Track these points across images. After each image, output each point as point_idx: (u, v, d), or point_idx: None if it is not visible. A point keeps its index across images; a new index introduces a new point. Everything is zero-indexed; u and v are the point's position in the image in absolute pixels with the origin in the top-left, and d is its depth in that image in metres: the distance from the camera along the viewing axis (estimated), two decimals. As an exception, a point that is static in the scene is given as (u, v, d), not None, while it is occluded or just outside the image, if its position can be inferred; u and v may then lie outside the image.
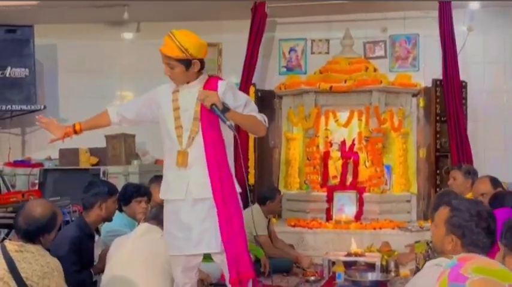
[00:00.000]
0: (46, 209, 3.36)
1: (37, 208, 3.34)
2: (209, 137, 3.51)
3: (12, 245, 3.17)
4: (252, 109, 3.59)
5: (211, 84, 3.59)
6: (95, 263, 4.28)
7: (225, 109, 3.43)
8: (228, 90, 3.56)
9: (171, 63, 3.54)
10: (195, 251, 3.53)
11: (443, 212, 2.71)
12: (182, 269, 3.59)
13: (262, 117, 3.60)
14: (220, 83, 3.59)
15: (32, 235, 3.26)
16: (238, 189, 3.62)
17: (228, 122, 3.42)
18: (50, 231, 3.33)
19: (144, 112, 3.81)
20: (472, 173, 5.48)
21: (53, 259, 3.24)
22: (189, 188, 3.50)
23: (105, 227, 4.72)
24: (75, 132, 3.97)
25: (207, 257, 3.71)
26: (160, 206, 4.47)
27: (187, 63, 3.53)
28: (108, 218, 4.46)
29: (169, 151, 3.62)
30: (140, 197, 4.90)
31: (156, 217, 4.05)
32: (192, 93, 3.54)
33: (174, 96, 3.63)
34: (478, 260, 1.86)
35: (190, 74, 3.57)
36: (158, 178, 5.83)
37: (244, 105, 3.56)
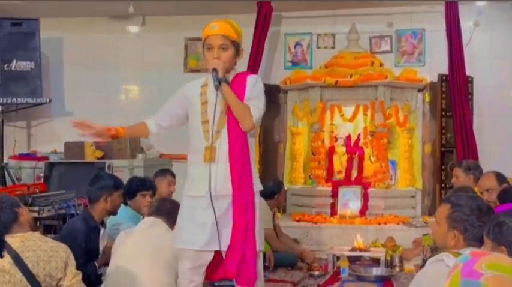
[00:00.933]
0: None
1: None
2: (234, 132, 3.49)
3: (14, 239, 3.16)
4: (253, 103, 3.52)
5: (240, 78, 3.58)
6: (99, 256, 4.29)
7: (224, 79, 3.44)
8: (254, 83, 3.57)
9: (226, 44, 3.52)
10: (207, 247, 3.48)
11: (444, 208, 2.76)
12: (191, 266, 3.52)
13: (255, 114, 3.49)
14: (250, 76, 3.61)
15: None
16: (260, 187, 3.61)
17: (215, 83, 3.43)
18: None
19: (178, 113, 3.75)
20: (472, 169, 5.45)
21: (56, 243, 3.24)
22: (212, 184, 3.45)
23: (110, 221, 4.74)
24: (117, 136, 3.83)
25: None
26: (162, 199, 4.49)
27: (238, 48, 3.57)
28: (113, 212, 4.47)
29: (195, 147, 3.58)
30: (145, 191, 4.91)
31: (158, 210, 4.06)
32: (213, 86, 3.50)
33: (203, 90, 3.62)
34: (491, 257, 1.86)
35: (233, 62, 3.59)
36: (163, 172, 5.88)
37: (249, 98, 3.53)
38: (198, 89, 3.65)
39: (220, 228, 3.45)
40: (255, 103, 3.53)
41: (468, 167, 5.47)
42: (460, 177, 5.46)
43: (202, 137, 3.52)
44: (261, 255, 3.62)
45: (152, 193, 4.99)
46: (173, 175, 5.96)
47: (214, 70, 3.46)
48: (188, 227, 3.53)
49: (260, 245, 3.56)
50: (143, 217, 4.82)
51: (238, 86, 3.52)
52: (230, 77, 3.57)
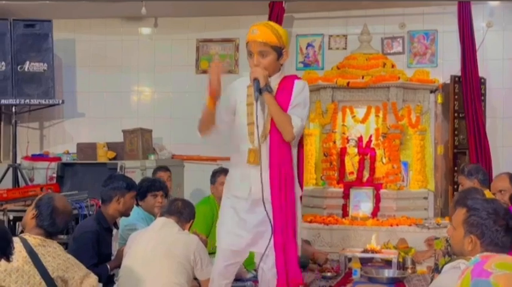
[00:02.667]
0: (70, 205, 3.42)
1: (66, 204, 3.38)
2: (276, 136, 3.46)
3: (34, 239, 3.19)
4: (296, 112, 3.46)
5: (287, 82, 3.55)
6: (112, 257, 4.31)
7: (265, 89, 3.40)
8: (302, 89, 3.52)
9: (265, 51, 3.47)
10: (246, 248, 3.53)
11: (460, 213, 2.71)
12: (227, 264, 3.55)
13: (296, 124, 3.44)
14: (297, 81, 3.56)
15: (60, 231, 3.30)
16: (299, 192, 3.59)
17: (256, 94, 3.38)
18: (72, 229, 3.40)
19: (230, 117, 3.65)
20: (474, 173, 5.40)
21: (72, 257, 3.29)
22: (253, 188, 3.45)
23: (122, 221, 4.76)
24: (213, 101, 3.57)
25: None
26: (174, 198, 4.50)
27: (280, 51, 3.51)
28: (126, 213, 4.47)
29: (237, 147, 3.56)
30: (156, 191, 4.93)
31: (170, 210, 4.07)
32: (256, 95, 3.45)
33: (249, 91, 3.56)
34: (500, 257, 1.87)
35: (277, 65, 3.54)
36: (156, 170, 6.03)
37: (295, 105, 3.47)
38: (244, 88, 3.60)
39: (262, 231, 3.47)
40: (298, 112, 3.48)
41: (469, 172, 5.42)
42: (465, 183, 5.43)
43: (247, 138, 3.50)
44: None
45: (163, 193, 5.01)
46: (166, 170, 6.07)
47: (255, 80, 3.42)
48: (230, 227, 3.54)
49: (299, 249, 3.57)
50: (155, 218, 4.84)
51: (284, 91, 3.49)
52: (277, 80, 3.53)
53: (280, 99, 3.49)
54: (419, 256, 5.90)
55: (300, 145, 3.62)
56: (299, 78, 3.66)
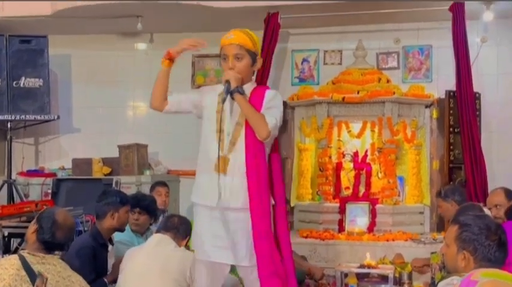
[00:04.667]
0: (72, 219, 3.40)
1: (67, 219, 3.36)
2: (251, 145, 3.43)
3: (33, 257, 3.16)
4: (269, 112, 3.46)
5: (259, 91, 3.55)
6: (108, 273, 4.28)
7: (236, 90, 3.40)
8: (273, 96, 3.54)
9: (241, 54, 3.50)
10: (222, 260, 3.46)
11: (453, 230, 2.74)
12: (206, 278, 3.49)
13: (270, 121, 3.42)
14: (269, 91, 3.58)
15: (60, 245, 3.27)
16: (272, 201, 3.55)
17: (225, 94, 3.38)
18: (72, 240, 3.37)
19: (186, 104, 3.70)
20: (450, 194, 5.43)
21: (73, 273, 3.25)
22: (223, 196, 3.42)
23: (115, 237, 4.73)
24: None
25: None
26: (170, 215, 4.48)
27: (254, 57, 3.55)
28: (121, 228, 4.45)
29: (206, 155, 3.52)
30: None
31: (166, 226, 4.05)
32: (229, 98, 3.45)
33: (220, 98, 3.55)
34: (486, 269, 1.89)
35: (250, 72, 3.57)
36: (153, 185, 5.98)
37: (267, 108, 3.48)
38: (215, 95, 3.60)
39: (235, 242, 3.42)
40: (271, 112, 3.47)
41: (445, 194, 5.46)
42: (443, 206, 5.46)
43: (215, 146, 3.46)
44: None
45: (140, 209, 4.91)
46: (164, 185, 6.04)
47: (227, 81, 3.42)
48: (203, 237, 3.50)
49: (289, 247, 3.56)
50: (141, 234, 4.83)
51: (256, 99, 3.48)
52: (250, 88, 3.54)
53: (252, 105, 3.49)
54: (419, 262, 5.89)
55: (273, 154, 3.60)
56: (269, 88, 3.68)
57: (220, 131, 3.47)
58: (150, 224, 5.09)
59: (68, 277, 3.17)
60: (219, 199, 3.43)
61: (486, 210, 4.94)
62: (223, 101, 3.43)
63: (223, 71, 3.56)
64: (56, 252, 3.94)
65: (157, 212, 5.27)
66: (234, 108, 3.48)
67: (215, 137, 3.47)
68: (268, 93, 3.55)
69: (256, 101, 3.48)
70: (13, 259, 3.18)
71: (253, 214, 3.38)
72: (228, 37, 3.56)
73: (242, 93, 3.43)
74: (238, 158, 3.43)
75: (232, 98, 3.42)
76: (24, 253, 3.20)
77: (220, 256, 3.45)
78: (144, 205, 4.96)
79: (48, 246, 3.26)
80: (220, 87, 3.58)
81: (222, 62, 3.57)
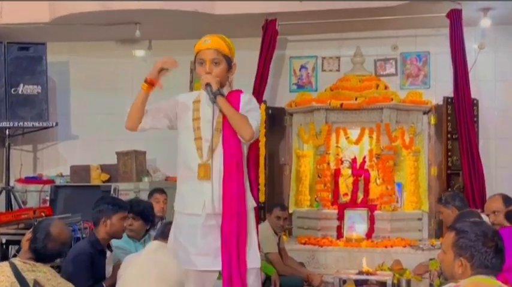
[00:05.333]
0: (68, 233, 3.39)
1: (62, 232, 3.36)
2: (228, 150, 3.42)
3: (24, 264, 3.16)
4: (250, 115, 3.46)
5: (233, 95, 3.54)
6: (107, 278, 4.27)
7: (218, 93, 3.39)
8: (249, 100, 3.54)
9: (218, 59, 3.50)
10: (210, 267, 3.43)
11: (450, 236, 2.73)
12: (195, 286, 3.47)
13: (253, 123, 3.43)
14: (243, 94, 3.57)
15: (51, 257, 3.27)
16: (253, 204, 3.54)
17: (211, 96, 3.37)
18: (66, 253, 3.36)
19: (160, 119, 3.65)
20: (450, 200, 5.43)
21: (63, 280, 3.25)
22: (207, 202, 3.40)
23: (113, 243, 4.71)
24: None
25: None
26: (167, 222, 4.46)
27: (230, 62, 3.54)
28: (116, 235, 4.40)
29: (186, 164, 3.50)
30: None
31: (163, 233, 4.04)
32: (210, 103, 3.43)
33: (195, 106, 3.54)
34: (475, 276, 1.94)
35: (226, 77, 3.56)
36: (151, 192, 5.95)
37: (247, 111, 3.47)
38: (190, 103, 3.58)
39: (218, 246, 3.39)
40: (251, 115, 3.47)
41: (446, 200, 5.47)
42: (444, 212, 5.46)
43: (195, 154, 3.45)
44: (255, 272, 3.49)
45: (134, 215, 4.88)
46: (162, 192, 6.03)
47: (208, 85, 3.41)
48: (187, 246, 3.45)
49: (254, 262, 3.46)
50: (138, 240, 4.82)
51: (232, 103, 3.46)
52: (225, 93, 3.52)
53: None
54: (421, 269, 5.89)
55: (250, 155, 3.59)
56: (244, 92, 3.65)
57: (199, 138, 3.46)
58: (148, 230, 5.07)
59: (58, 284, 3.17)
60: (204, 206, 3.41)
61: (484, 216, 4.95)
62: (213, 101, 3.39)
63: (198, 76, 3.55)
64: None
65: (154, 218, 5.25)
66: (211, 115, 3.43)
67: (194, 145, 3.47)
68: (244, 97, 3.55)
69: (232, 104, 3.47)
70: (4, 266, 3.19)
71: (224, 216, 3.37)
72: (204, 42, 3.55)
73: (223, 95, 3.44)
74: (218, 164, 3.42)
75: (214, 102, 3.40)
76: (16, 261, 3.20)
77: (207, 263, 3.42)
78: (138, 210, 4.91)
79: (39, 256, 3.26)
80: (195, 95, 3.61)
81: (198, 66, 3.55)
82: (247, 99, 3.54)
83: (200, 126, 3.48)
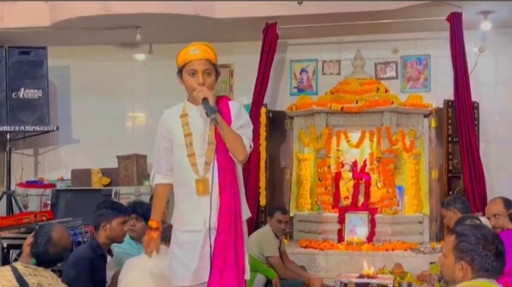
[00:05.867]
0: (69, 238, 3.39)
1: (63, 237, 3.37)
2: (222, 162, 3.35)
3: (25, 269, 3.17)
4: (244, 133, 3.39)
5: (222, 104, 3.43)
6: (107, 285, 4.27)
7: (216, 109, 3.28)
8: (239, 110, 3.45)
9: (209, 69, 3.40)
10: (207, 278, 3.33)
11: (450, 240, 2.73)
12: None
13: (248, 144, 3.37)
14: (231, 102, 3.48)
15: (53, 262, 3.27)
16: (248, 215, 3.49)
17: (212, 115, 3.24)
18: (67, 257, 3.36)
19: (170, 161, 3.54)
20: (452, 203, 5.43)
21: (64, 286, 3.26)
22: (208, 217, 3.31)
23: (114, 247, 4.71)
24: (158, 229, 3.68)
25: None
26: (168, 226, 4.45)
27: (218, 71, 3.46)
28: (116, 239, 4.40)
29: (183, 181, 3.42)
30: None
31: (163, 237, 4.04)
32: (204, 116, 3.35)
33: (184, 121, 3.45)
34: (473, 280, 1.95)
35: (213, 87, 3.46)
36: None
37: (240, 126, 3.39)
38: (177, 119, 3.48)
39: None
40: (245, 132, 3.40)
41: (448, 203, 5.47)
42: (447, 215, 5.47)
43: (190, 170, 3.37)
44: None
45: (136, 215, 4.85)
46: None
47: (205, 99, 3.30)
48: (188, 262, 3.37)
49: (245, 274, 3.40)
50: (140, 242, 4.80)
51: (223, 114, 3.36)
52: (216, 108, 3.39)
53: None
54: (426, 277, 5.88)
55: (251, 159, 3.54)
56: (228, 98, 3.59)
57: (192, 154, 3.39)
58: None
59: None
60: (205, 222, 3.32)
61: (485, 220, 4.95)
62: (212, 119, 3.28)
63: (189, 87, 3.44)
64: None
65: None
66: (202, 129, 3.39)
67: (188, 162, 3.39)
68: (233, 106, 3.45)
69: (223, 114, 3.37)
70: (5, 271, 3.20)
71: (220, 228, 3.30)
72: (193, 51, 3.44)
73: (219, 112, 3.32)
74: (214, 178, 3.34)
75: (212, 119, 3.29)
76: (17, 265, 3.21)
77: (205, 276, 3.33)
78: (141, 211, 4.92)
79: (40, 261, 3.26)
80: (179, 108, 3.51)
81: (188, 77, 3.42)
82: (237, 110, 3.44)
83: (193, 141, 3.40)
